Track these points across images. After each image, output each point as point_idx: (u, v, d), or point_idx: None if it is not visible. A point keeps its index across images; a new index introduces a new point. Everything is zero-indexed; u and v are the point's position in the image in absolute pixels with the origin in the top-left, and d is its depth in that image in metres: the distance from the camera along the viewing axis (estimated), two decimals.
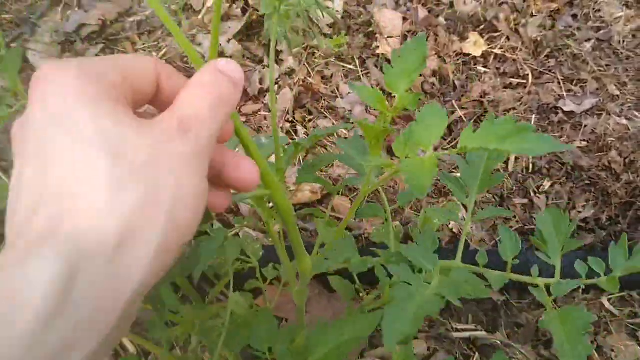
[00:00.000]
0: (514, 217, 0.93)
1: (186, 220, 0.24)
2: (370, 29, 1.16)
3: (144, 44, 1.16)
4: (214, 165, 0.29)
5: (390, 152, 0.99)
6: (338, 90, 1.09)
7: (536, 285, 0.34)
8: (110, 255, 0.21)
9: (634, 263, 0.32)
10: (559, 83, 1.07)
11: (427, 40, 1.14)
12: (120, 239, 0.22)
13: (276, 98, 1.06)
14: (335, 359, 0.43)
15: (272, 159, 0.46)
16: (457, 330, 0.83)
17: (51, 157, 0.22)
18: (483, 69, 1.10)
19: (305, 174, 0.50)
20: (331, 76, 1.11)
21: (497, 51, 1.12)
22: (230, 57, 1.11)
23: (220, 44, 1.13)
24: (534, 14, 1.16)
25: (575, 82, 1.07)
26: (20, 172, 0.24)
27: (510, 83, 1.08)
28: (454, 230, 0.91)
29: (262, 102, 1.06)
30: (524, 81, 1.08)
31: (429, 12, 1.18)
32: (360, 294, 0.71)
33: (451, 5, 1.19)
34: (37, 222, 0.21)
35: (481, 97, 1.06)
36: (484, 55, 1.12)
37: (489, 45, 1.13)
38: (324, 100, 1.07)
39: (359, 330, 0.45)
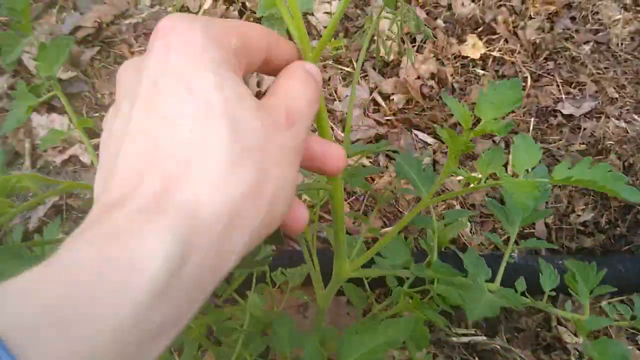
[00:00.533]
0: None
1: (279, 212, 0.24)
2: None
3: (140, 46, 1.15)
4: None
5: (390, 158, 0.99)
6: (336, 93, 1.08)
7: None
8: (219, 235, 0.20)
9: None
10: (557, 86, 1.07)
11: (424, 43, 1.14)
12: (229, 219, 0.21)
13: None
14: None
15: None
16: (457, 335, 0.82)
17: (166, 115, 0.21)
18: (481, 72, 1.10)
19: (355, 179, 0.51)
20: (329, 79, 1.10)
21: (496, 54, 1.12)
22: None
23: None
24: (532, 17, 1.16)
25: (574, 84, 1.07)
26: (125, 119, 0.22)
27: None
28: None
29: None
30: (523, 84, 1.07)
31: (427, 14, 1.18)
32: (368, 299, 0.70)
33: (449, 7, 1.19)
34: (149, 184, 0.20)
35: None
36: (483, 58, 1.12)
37: (487, 47, 1.13)
38: None
39: (393, 334, 0.45)
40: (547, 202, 0.93)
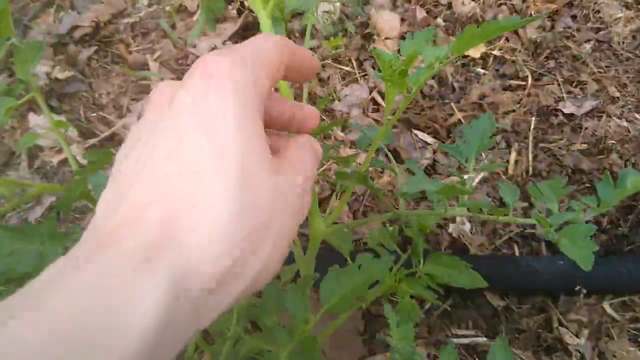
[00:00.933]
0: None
1: (274, 267, 0.24)
2: (368, 30, 1.15)
3: (137, 45, 1.14)
4: (282, 114, 0.31)
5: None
6: (335, 92, 1.07)
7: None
8: (206, 293, 0.21)
9: (620, 189, 0.35)
10: (558, 85, 1.06)
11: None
12: (220, 279, 0.21)
13: None
14: (350, 302, 0.44)
15: None
16: (457, 336, 0.82)
17: (185, 164, 0.22)
18: (482, 71, 1.09)
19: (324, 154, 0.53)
20: (328, 78, 1.09)
21: (496, 53, 1.11)
22: None
23: (215, 45, 1.11)
24: (533, 15, 1.15)
25: (575, 83, 1.06)
26: (145, 154, 0.22)
27: (510, 85, 1.07)
28: (454, 234, 0.89)
29: None
30: (524, 83, 1.07)
31: (427, 13, 1.17)
32: None
33: (449, 6, 1.18)
34: (150, 223, 0.20)
35: (480, 99, 1.04)
36: (483, 57, 1.11)
37: (487, 46, 1.12)
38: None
39: (371, 273, 0.45)
40: None
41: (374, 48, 0.36)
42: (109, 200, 0.23)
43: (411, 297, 0.55)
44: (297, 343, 0.41)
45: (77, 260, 0.19)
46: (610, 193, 0.36)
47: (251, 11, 1.16)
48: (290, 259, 0.76)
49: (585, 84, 1.05)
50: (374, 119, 1.03)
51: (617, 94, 1.04)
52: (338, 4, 1.13)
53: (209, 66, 0.23)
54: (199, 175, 0.21)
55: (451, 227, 0.90)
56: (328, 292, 0.43)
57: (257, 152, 0.23)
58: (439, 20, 1.16)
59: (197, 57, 1.10)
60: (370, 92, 1.07)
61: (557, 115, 1.02)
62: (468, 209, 0.40)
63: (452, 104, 1.05)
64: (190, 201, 0.21)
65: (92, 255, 0.19)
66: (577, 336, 0.80)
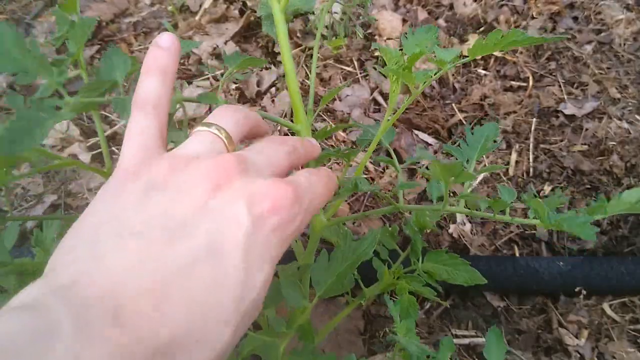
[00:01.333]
0: None
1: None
2: (369, 31, 1.15)
3: (139, 45, 1.15)
4: None
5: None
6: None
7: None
8: None
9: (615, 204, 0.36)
10: (559, 86, 1.06)
11: None
12: None
13: (273, 100, 1.05)
14: (341, 284, 0.45)
15: None
16: (457, 337, 0.82)
17: (213, 276, 0.23)
18: (483, 72, 1.09)
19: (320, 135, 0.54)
20: (329, 78, 1.09)
21: (497, 54, 1.11)
22: None
23: (217, 45, 1.11)
24: (535, 16, 1.15)
25: (576, 85, 1.06)
26: (177, 235, 0.24)
27: (511, 86, 1.07)
28: (454, 235, 0.89)
29: (260, 105, 1.05)
30: (525, 84, 1.07)
31: (429, 13, 1.17)
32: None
33: (451, 7, 1.18)
34: (151, 338, 0.21)
35: (481, 100, 1.05)
36: (484, 58, 1.11)
37: None
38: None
39: (361, 251, 0.46)
40: None
41: (379, 45, 0.37)
42: (113, 256, 0.23)
43: (411, 294, 0.56)
44: (295, 333, 0.41)
45: (84, 344, 0.20)
46: (601, 211, 0.37)
47: (253, 11, 1.16)
48: (291, 256, 0.76)
49: (586, 86, 1.05)
50: (375, 119, 1.03)
51: (618, 96, 1.04)
52: (341, 6, 1.13)
53: (277, 199, 0.25)
54: (215, 308, 0.23)
55: (452, 228, 0.90)
56: (319, 275, 0.44)
57: (262, 294, 0.25)
58: (441, 21, 1.16)
59: (199, 57, 1.10)
60: (372, 92, 1.07)
61: (557, 117, 1.02)
62: (466, 204, 0.40)
63: (453, 104, 1.05)
64: (198, 326, 0.22)
65: (96, 348, 0.20)
66: (576, 337, 0.80)
